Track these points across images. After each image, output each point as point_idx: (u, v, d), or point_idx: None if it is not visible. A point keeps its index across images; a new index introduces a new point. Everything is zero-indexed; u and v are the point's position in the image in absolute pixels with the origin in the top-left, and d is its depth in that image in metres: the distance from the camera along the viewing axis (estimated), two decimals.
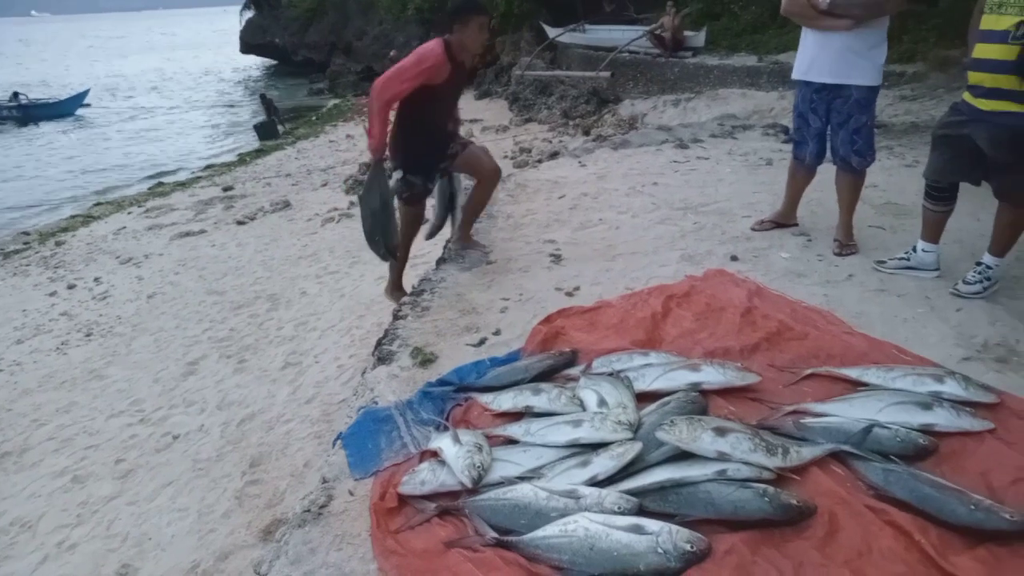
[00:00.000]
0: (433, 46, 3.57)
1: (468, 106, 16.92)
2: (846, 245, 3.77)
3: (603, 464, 2.03)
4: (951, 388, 2.31)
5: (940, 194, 3.34)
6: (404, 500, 2.04)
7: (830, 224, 3.89)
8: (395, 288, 4.28)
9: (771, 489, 1.88)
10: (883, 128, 6.99)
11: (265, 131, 18.19)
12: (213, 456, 4.12)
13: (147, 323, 6.48)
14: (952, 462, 2.05)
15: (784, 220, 4.22)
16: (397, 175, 3.93)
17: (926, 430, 2.14)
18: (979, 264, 3.26)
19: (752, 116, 9.10)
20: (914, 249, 3.47)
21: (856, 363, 2.54)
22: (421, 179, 3.91)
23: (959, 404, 2.24)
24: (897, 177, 5.10)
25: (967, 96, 3.14)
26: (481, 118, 15.08)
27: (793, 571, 1.69)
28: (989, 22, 2.96)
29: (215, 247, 8.68)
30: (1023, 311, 3.02)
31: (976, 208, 3.86)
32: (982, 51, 3.00)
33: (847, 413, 2.23)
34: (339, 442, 2.38)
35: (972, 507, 1.79)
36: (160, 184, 13.95)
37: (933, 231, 3.42)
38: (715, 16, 14.52)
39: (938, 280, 3.37)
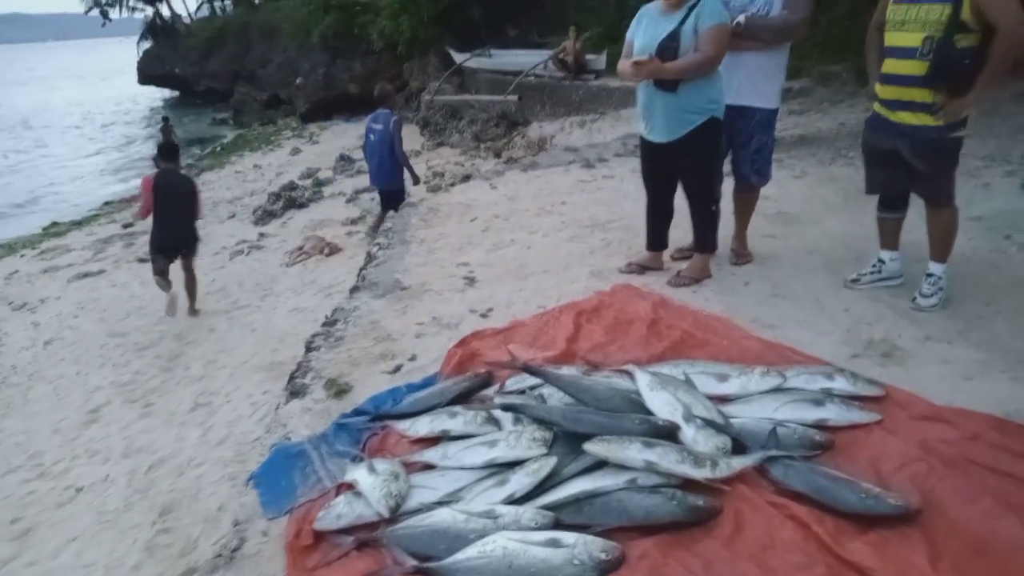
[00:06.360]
0: None
1: None
2: (742, 255, 3.96)
3: (520, 481, 2.06)
4: (841, 384, 2.48)
5: (893, 202, 3.41)
6: (321, 536, 2.01)
7: (726, 235, 4.07)
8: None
9: (679, 492, 1.96)
10: (774, 142, 7.33)
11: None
12: (120, 507, 3.90)
13: (45, 371, 6.10)
14: (845, 453, 2.20)
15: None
16: None
17: (820, 425, 2.29)
18: (930, 276, 3.25)
19: None
20: (881, 260, 3.47)
21: (754, 364, 2.67)
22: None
23: (848, 399, 2.41)
24: (787, 188, 5.39)
25: (881, 110, 3.20)
26: None
27: (703, 569, 1.77)
28: (894, 39, 3.05)
29: (116, 287, 8.28)
30: (903, 308, 3.24)
31: (858, 214, 4.13)
32: (892, 67, 3.08)
33: (747, 413, 2.37)
34: (251, 482, 2.32)
35: (863, 495, 1.93)
36: (55, 224, 13.22)
37: (892, 239, 3.47)
38: (614, 39, 15.01)
39: (829, 282, 3.57)
